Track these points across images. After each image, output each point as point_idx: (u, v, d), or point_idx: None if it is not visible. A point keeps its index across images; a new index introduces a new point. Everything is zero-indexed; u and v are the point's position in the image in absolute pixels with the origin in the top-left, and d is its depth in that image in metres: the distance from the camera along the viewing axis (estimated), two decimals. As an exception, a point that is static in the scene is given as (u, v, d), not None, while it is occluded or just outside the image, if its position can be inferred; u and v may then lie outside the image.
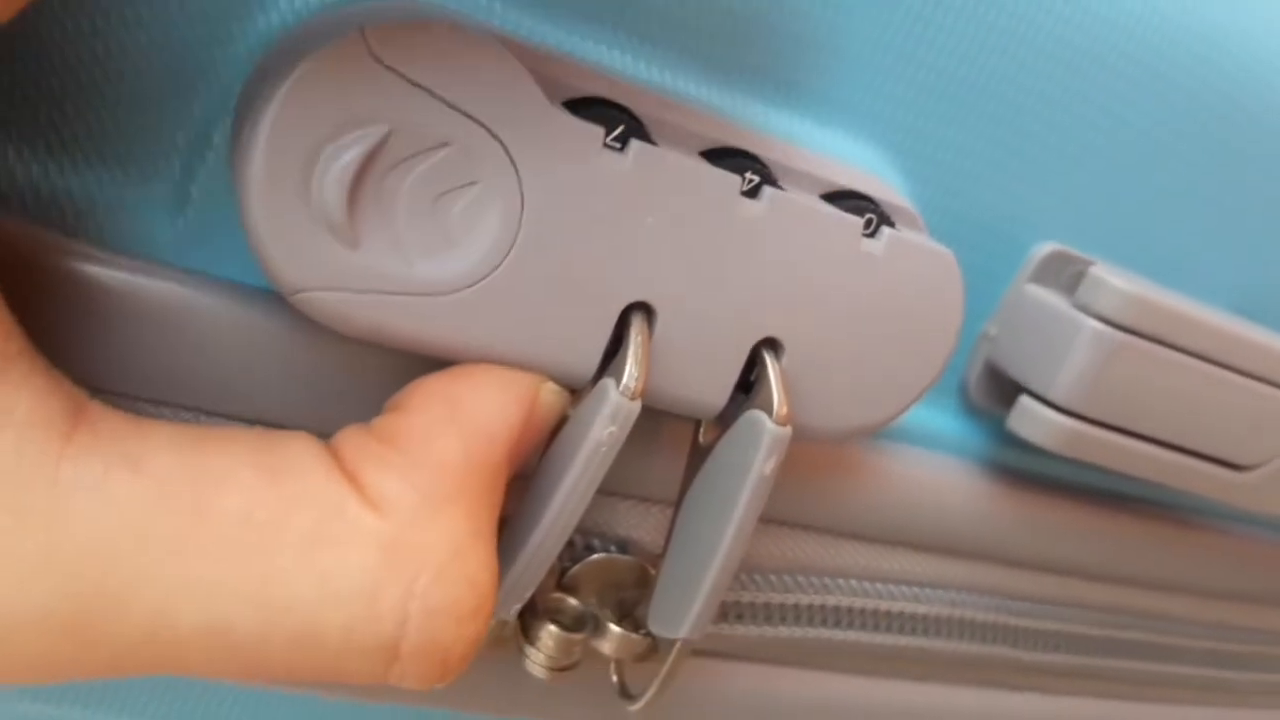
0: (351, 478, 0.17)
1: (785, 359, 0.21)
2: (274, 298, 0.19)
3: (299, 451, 0.17)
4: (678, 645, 0.21)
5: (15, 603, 0.15)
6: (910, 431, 0.26)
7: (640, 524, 0.23)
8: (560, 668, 0.22)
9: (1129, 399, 0.25)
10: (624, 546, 0.23)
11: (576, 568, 0.22)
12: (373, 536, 0.17)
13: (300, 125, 0.16)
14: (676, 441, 0.23)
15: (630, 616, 0.23)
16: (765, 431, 0.20)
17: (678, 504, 0.22)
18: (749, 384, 0.21)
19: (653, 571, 0.23)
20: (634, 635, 0.22)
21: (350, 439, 0.18)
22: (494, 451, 0.18)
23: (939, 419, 0.27)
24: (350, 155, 0.17)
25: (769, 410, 0.20)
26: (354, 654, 0.17)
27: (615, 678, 0.24)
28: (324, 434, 0.20)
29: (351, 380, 0.20)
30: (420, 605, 0.17)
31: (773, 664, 0.26)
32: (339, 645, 0.17)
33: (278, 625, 0.16)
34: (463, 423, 0.18)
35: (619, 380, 0.19)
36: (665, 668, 0.22)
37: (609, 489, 0.23)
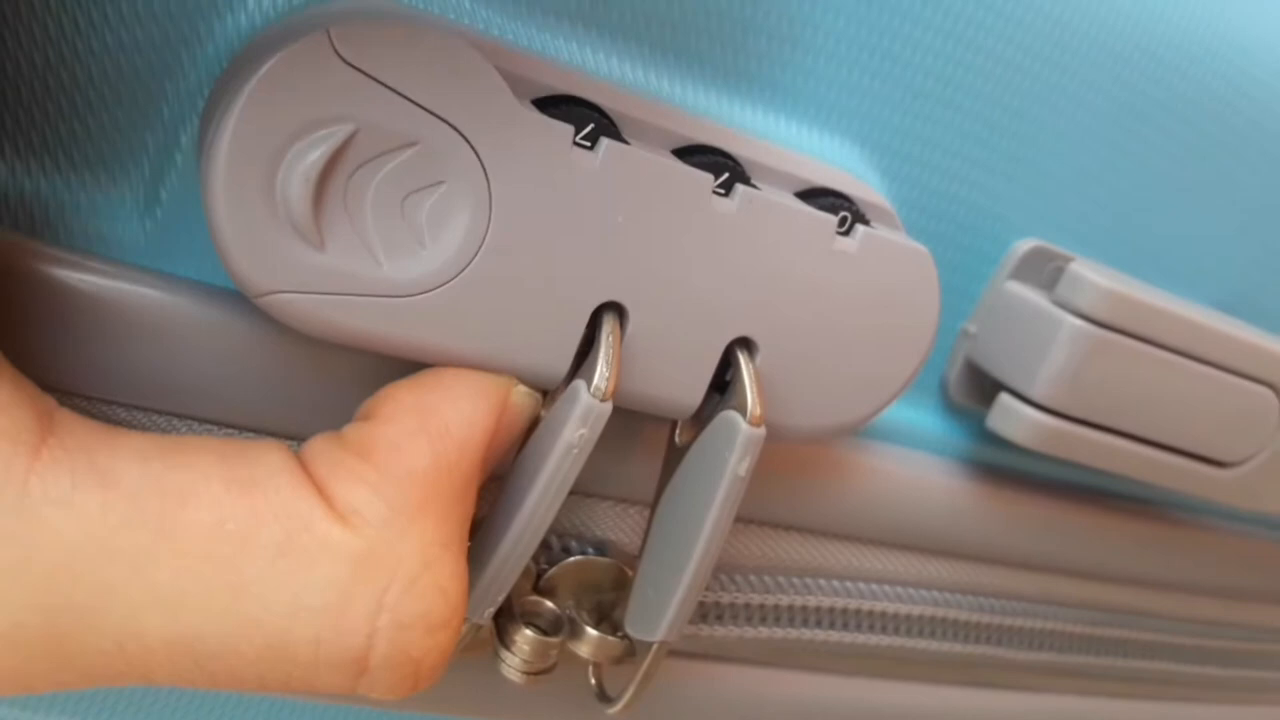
0: (321, 489, 0.17)
1: (760, 358, 0.21)
2: (244, 300, 0.19)
3: (268, 463, 0.17)
4: (655, 648, 0.21)
5: None
6: (891, 430, 0.26)
7: (618, 525, 0.23)
8: (536, 671, 0.22)
9: (1109, 396, 0.25)
10: (601, 548, 0.23)
11: (553, 570, 0.22)
12: (341, 550, 0.17)
13: (265, 125, 0.16)
14: (653, 442, 0.23)
15: (608, 619, 0.23)
16: (739, 432, 0.20)
17: (654, 504, 0.22)
18: (724, 384, 0.21)
19: (630, 573, 0.23)
20: (611, 638, 0.22)
21: (320, 450, 0.18)
22: (465, 459, 0.18)
23: (919, 417, 0.27)
24: (315, 155, 0.17)
25: (743, 411, 0.20)
26: (323, 666, 0.17)
27: (593, 680, 0.23)
28: (295, 436, 0.20)
29: (322, 382, 0.20)
30: (390, 618, 0.17)
31: (753, 664, 0.26)
32: (308, 658, 0.17)
33: (247, 638, 0.16)
34: (433, 432, 0.18)
35: (590, 381, 0.19)
36: (642, 670, 0.21)
37: (586, 490, 0.23)
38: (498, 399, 0.19)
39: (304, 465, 0.17)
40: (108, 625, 0.15)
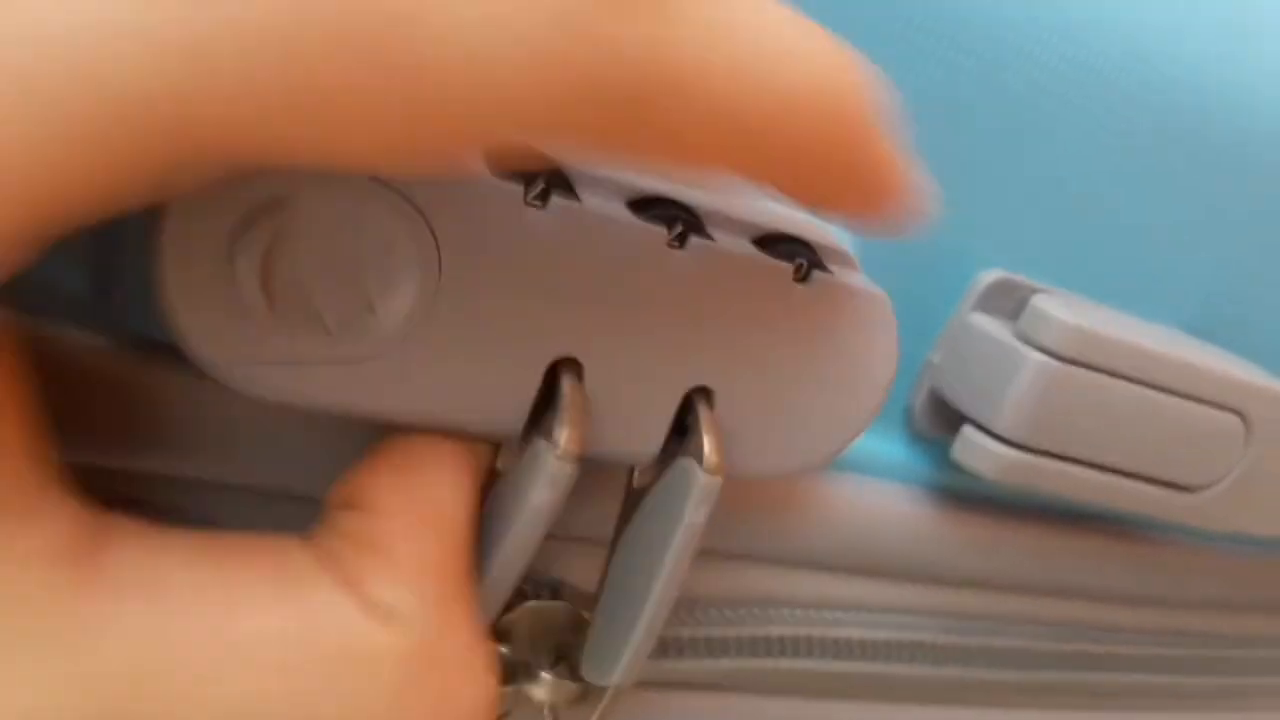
0: (355, 590, 0.17)
1: (718, 406, 0.21)
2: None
3: (302, 563, 0.17)
4: (609, 691, 0.21)
5: None
6: (856, 460, 0.26)
7: (573, 565, 0.23)
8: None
9: (1073, 428, 0.25)
10: (556, 590, 0.23)
11: (509, 615, 0.22)
12: (391, 653, 0.17)
13: (202, 210, 0.16)
14: (611, 483, 0.23)
15: (566, 660, 0.23)
16: (696, 482, 0.20)
17: (611, 545, 0.22)
18: (684, 426, 0.21)
19: (586, 616, 0.23)
20: (565, 681, 0.22)
21: (333, 549, 0.18)
22: (463, 537, 0.18)
23: (884, 447, 0.27)
24: (259, 231, 0.16)
25: (700, 459, 0.20)
26: None
27: (550, 720, 0.24)
28: (275, 490, 0.20)
29: (300, 438, 0.20)
30: (448, 708, 0.17)
31: (717, 691, 0.26)
32: None
33: None
34: (433, 520, 0.18)
35: (554, 443, 0.19)
36: (597, 714, 0.22)
37: (551, 532, 0.23)
38: (475, 467, 0.19)
39: (328, 564, 0.17)
40: None
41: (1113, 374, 0.25)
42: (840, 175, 0.17)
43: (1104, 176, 0.26)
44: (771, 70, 0.15)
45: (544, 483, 0.19)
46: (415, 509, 0.18)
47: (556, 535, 0.23)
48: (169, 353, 0.19)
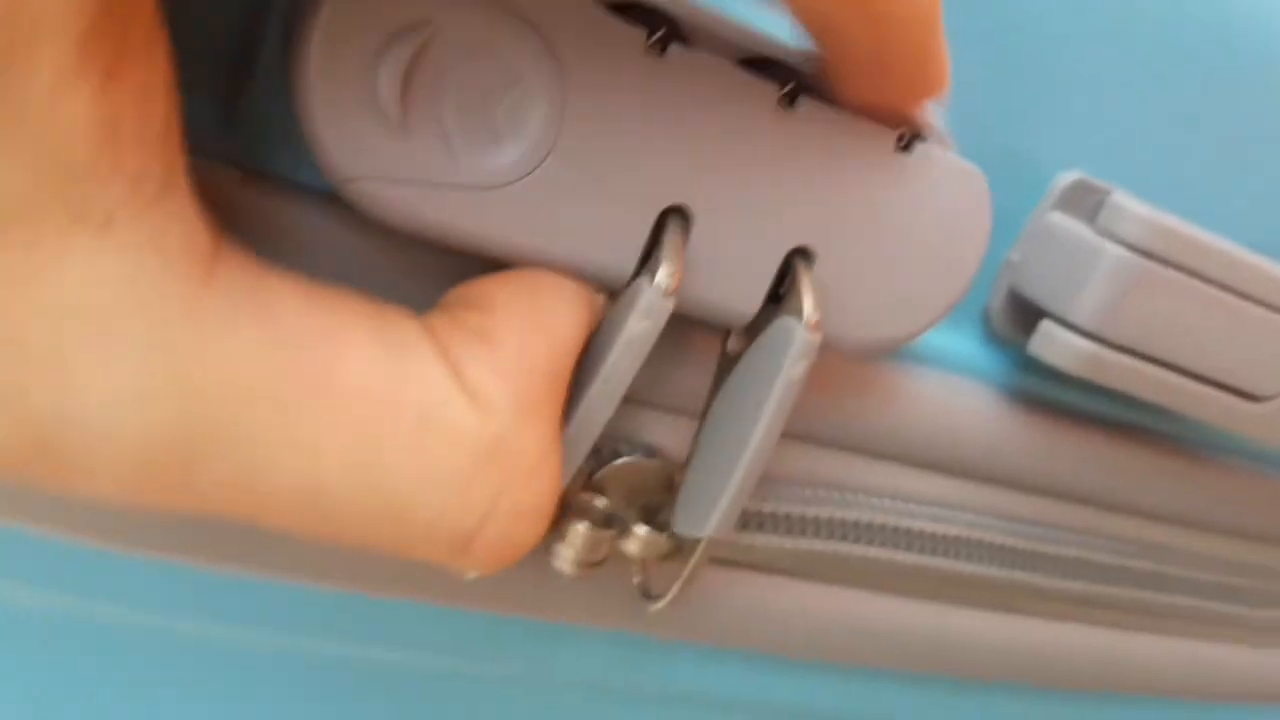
0: (453, 369, 0.18)
1: (816, 268, 0.21)
2: (323, 199, 0.19)
3: (410, 330, 0.18)
4: (702, 544, 0.22)
5: (128, 422, 0.15)
6: (932, 356, 0.27)
7: (666, 433, 0.24)
8: (589, 564, 0.22)
9: (1148, 324, 0.26)
10: (650, 453, 0.24)
11: (604, 470, 0.23)
12: (474, 432, 0.17)
13: (355, 16, 0.17)
14: (704, 356, 0.23)
15: (654, 521, 0.23)
16: (796, 337, 0.21)
17: (704, 411, 0.23)
18: (778, 297, 0.22)
19: (678, 478, 0.23)
20: (658, 535, 0.23)
21: (446, 330, 0.18)
22: (568, 363, 0.19)
23: (961, 345, 0.27)
24: (404, 46, 0.17)
25: (800, 316, 0.21)
26: (434, 537, 0.17)
27: (637, 579, 0.24)
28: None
29: (396, 284, 0.21)
30: (507, 504, 0.18)
31: (791, 576, 0.27)
32: (423, 527, 0.17)
33: (372, 499, 0.17)
34: (549, 332, 0.19)
35: (653, 277, 0.19)
36: (689, 567, 0.22)
37: (637, 398, 0.24)
38: (590, 308, 0.20)
39: (435, 340, 0.18)
40: (244, 460, 0.16)
41: (1189, 272, 0.25)
42: (907, 67, 0.19)
43: (1180, 87, 0.27)
44: None
45: (641, 312, 0.19)
46: (531, 316, 0.19)
47: (651, 404, 0.24)
48: (294, 187, 0.20)
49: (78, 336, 0.14)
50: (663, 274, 0.19)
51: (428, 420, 0.17)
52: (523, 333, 0.18)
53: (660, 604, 0.23)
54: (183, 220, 0.15)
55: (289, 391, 0.16)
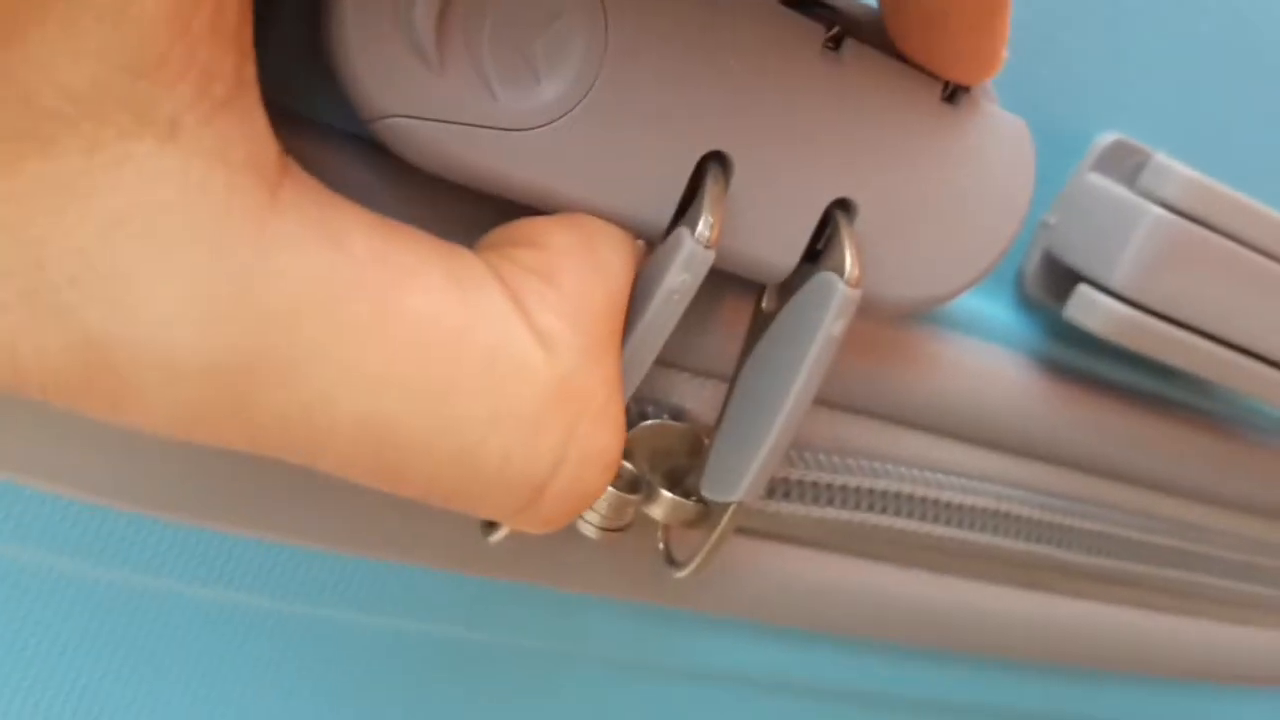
0: (520, 306, 0.17)
1: (857, 222, 0.20)
2: (350, 140, 0.18)
3: (476, 267, 0.17)
4: (730, 510, 0.21)
5: (186, 342, 0.14)
6: (965, 321, 0.26)
7: (695, 395, 0.23)
8: (613, 529, 0.22)
9: (1187, 290, 0.25)
10: (678, 415, 0.23)
11: (630, 432, 0.22)
12: (543, 372, 0.16)
13: None
14: (735, 318, 0.23)
15: (681, 485, 0.22)
16: (836, 292, 0.20)
17: (735, 373, 0.22)
18: (815, 254, 0.21)
19: (706, 441, 0.22)
20: (684, 500, 0.22)
21: (506, 269, 0.17)
22: (623, 306, 0.18)
23: (994, 310, 0.27)
24: None
25: (840, 272, 0.20)
26: (503, 483, 0.16)
27: (662, 545, 0.23)
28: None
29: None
30: (578, 450, 0.17)
31: (816, 548, 0.26)
32: (492, 472, 0.16)
33: (442, 437, 0.16)
34: (605, 274, 0.18)
35: (694, 229, 0.18)
36: (716, 533, 0.21)
37: (666, 360, 0.23)
38: (634, 252, 0.19)
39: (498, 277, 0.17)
40: (305, 388, 0.15)
41: (1231, 237, 0.25)
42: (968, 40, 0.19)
43: (1221, 51, 0.26)
44: None
45: (681, 264, 0.18)
46: (588, 257, 0.18)
47: (680, 366, 0.23)
48: (320, 127, 0.19)
49: (135, 250, 0.13)
50: (704, 225, 0.18)
51: (497, 357, 0.16)
52: (581, 274, 0.18)
53: (685, 571, 0.22)
54: (251, 129, 0.14)
55: (355, 318, 0.15)
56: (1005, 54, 0.19)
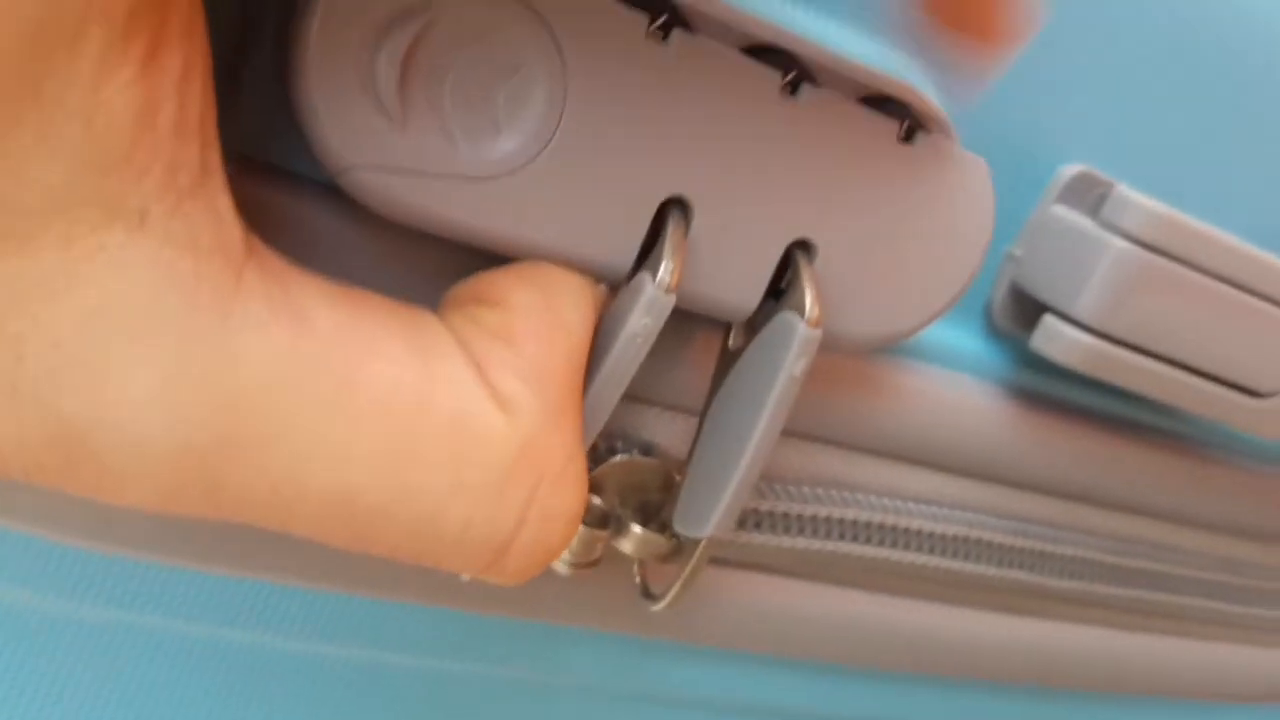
0: (480, 371, 0.17)
1: (817, 262, 0.21)
2: (319, 190, 0.19)
3: (436, 333, 0.17)
4: (702, 544, 0.22)
5: (160, 424, 0.14)
6: (933, 351, 0.27)
7: (664, 429, 0.24)
8: (582, 564, 0.22)
9: (1151, 319, 0.25)
10: (647, 450, 0.23)
11: (600, 469, 0.23)
12: (504, 438, 0.17)
13: (353, 5, 0.16)
14: (704, 352, 0.23)
15: (655, 519, 0.23)
16: (797, 333, 0.20)
17: (704, 408, 0.22)
18: (779, 291, 0.21)
19: (677, 476, 0.23)
20: (655, 535, 0.22)
21: (466, 329, 0.18)
22: (583, 361, 0.19)
23: (962, 340, 0.27)
24: (400, 35, 0.17)
25: (801, 312, 0.20)
26: (465, 546, 0.17)
27: (638, 578, 0.24)
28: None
29: (394, 277, 0.20)
30: (538, 510, 0.17)
31: (790, 576, 0.26)
32: (454, 536, 0.17)
33: (403, 505, 0.16)
34: (566, 331, 0.18)
35: (654, 274, 0.19)
36: (689, 566, 0.22)
37: (635, 395, 0.23)
38: (595, 301, 0.19)
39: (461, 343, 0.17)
40: (271, 465, 0.15)
41: (1194, 267, 0.25)
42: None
43: (1184, 82, 0.27)
44: None
45: (642, 309, 0.19)
46: (548, 315, 0.18)
47: (650, 401, 0.23)
48: (291, 178, 0.19)
49: (109, 341, 0.14)
50: (664, 271, 0.19)
51: (459, 426, 0.16)
52: (542, 333, 0.18)
53: (661, 605, 0.23)
54: (216, 215, 0.15)
55: (319, 395, 0.15)
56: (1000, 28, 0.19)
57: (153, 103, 0.13)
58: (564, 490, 0.18)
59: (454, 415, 0.16)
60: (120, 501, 0.15)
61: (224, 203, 0.15)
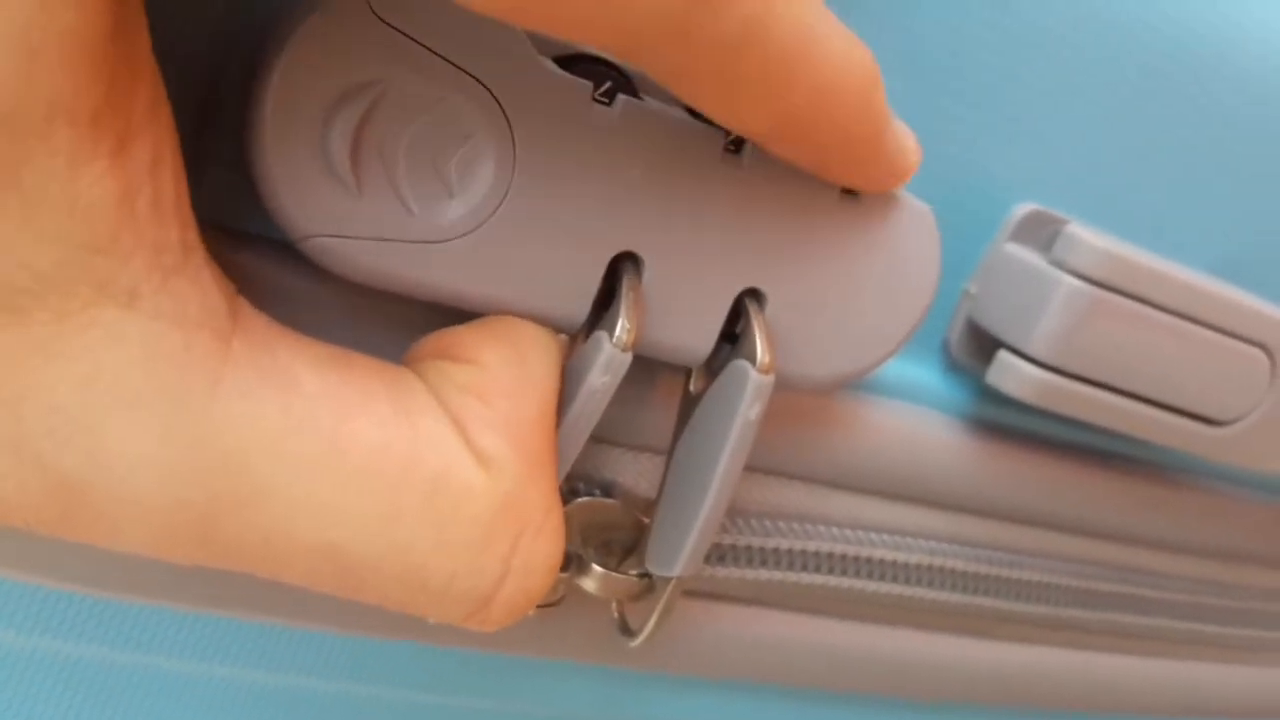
0: (459, 429, 0.18)
1: (768, 309, 0.22)
2: (288, 251, 0.20)
3: (417, 390, 0.18)
4: (672, 583, 0.22)
5: (156, 489, 0.15)
6: (893, 387, 0.27)
7: (628, 469, 0.24)
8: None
9: (1105, 353, 0.26)
10: (608, 490, 0.24)
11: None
12: (485, 495, 0.18)
13: (306, 79, 0.17)
14: (666, 395, 0.24)
15: (631, 557, 0.24)
16: (749, 380, 0.21)
17: (670, 450, 0.23)
18: (735, 335, 0.22)
19: (644, 518, 0.24)
20: (616, 574, 0.23)
21: (441, 387, 0.18)
22: (552, 408, 0.20)
23: (921, 375, 0.28)
24: (353, 108, 0.18)
25: (753, 360, 0.21)
26: (450, 598, 0.18)
27: (616, 615, 0.25)
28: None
29: (358, 331, 0.21)
30: (520, 562, 0.18)
31: (761, 606, 0.27)
32: (439, 589, 0.18)
33: (389, 561, 0.17)
34: (536, 385, 0.19)
35: (612, 332, 0.20)
36: (661, 604, 0.23)
37: (599, 437, 0.24)
38: (559, 352, 0.20)
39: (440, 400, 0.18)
40: (262, 521, 0.16)
41: (1144, 301, 0.26)
42: (856, 156, 0.20)
43: (1133, 117, 0.27)
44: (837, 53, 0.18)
45: (601, 368, 0.20)
46: (519, 370, 0.19)
47: (613, 442, 0.24)
48: (258, 242, 0.20)
49: (105, 406, 0.15)
50: (620, 330, 0.20)
51: (442, 485, 0.17)
52: (515, 389, 0.19)
53: (638, 640, 0.24)
54: (201, 289, 0.16)
55: (307, 456, 0.16)
56: (907, 162, 0.21)
57: (129, 191, 0.14)
58: (544, 541, 0.19)
59: (438, 474, 0.17)
60: (116, 548, 0.16)
61: (208, 276, 0.16)
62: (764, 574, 0.26)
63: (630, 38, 0.16)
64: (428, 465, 0.17)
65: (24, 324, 0.14)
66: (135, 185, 0.14)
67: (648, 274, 0.21)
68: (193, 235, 0.16)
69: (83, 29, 0.13)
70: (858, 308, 0.23)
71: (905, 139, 0.21)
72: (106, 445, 0.15)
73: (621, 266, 0.20)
